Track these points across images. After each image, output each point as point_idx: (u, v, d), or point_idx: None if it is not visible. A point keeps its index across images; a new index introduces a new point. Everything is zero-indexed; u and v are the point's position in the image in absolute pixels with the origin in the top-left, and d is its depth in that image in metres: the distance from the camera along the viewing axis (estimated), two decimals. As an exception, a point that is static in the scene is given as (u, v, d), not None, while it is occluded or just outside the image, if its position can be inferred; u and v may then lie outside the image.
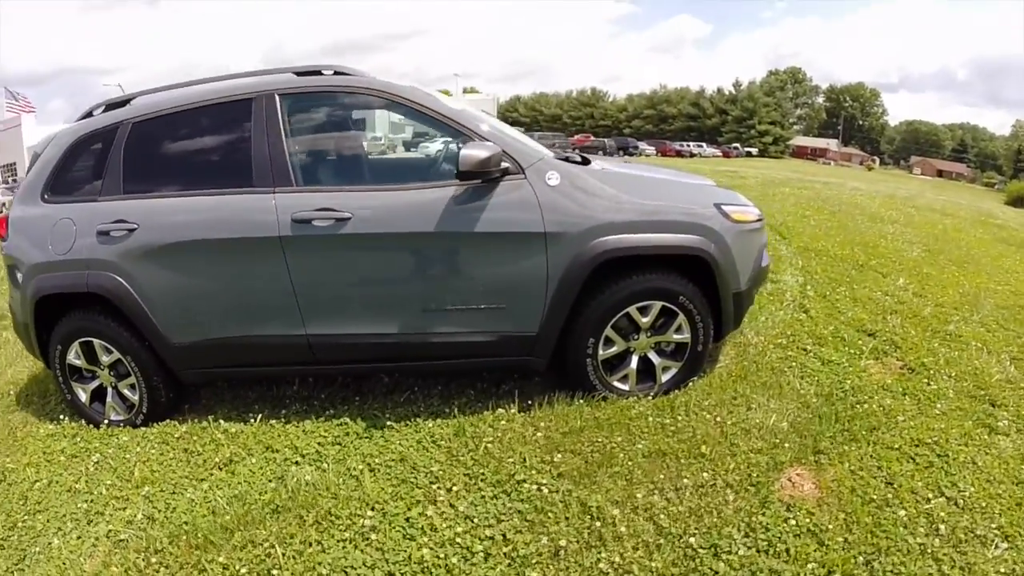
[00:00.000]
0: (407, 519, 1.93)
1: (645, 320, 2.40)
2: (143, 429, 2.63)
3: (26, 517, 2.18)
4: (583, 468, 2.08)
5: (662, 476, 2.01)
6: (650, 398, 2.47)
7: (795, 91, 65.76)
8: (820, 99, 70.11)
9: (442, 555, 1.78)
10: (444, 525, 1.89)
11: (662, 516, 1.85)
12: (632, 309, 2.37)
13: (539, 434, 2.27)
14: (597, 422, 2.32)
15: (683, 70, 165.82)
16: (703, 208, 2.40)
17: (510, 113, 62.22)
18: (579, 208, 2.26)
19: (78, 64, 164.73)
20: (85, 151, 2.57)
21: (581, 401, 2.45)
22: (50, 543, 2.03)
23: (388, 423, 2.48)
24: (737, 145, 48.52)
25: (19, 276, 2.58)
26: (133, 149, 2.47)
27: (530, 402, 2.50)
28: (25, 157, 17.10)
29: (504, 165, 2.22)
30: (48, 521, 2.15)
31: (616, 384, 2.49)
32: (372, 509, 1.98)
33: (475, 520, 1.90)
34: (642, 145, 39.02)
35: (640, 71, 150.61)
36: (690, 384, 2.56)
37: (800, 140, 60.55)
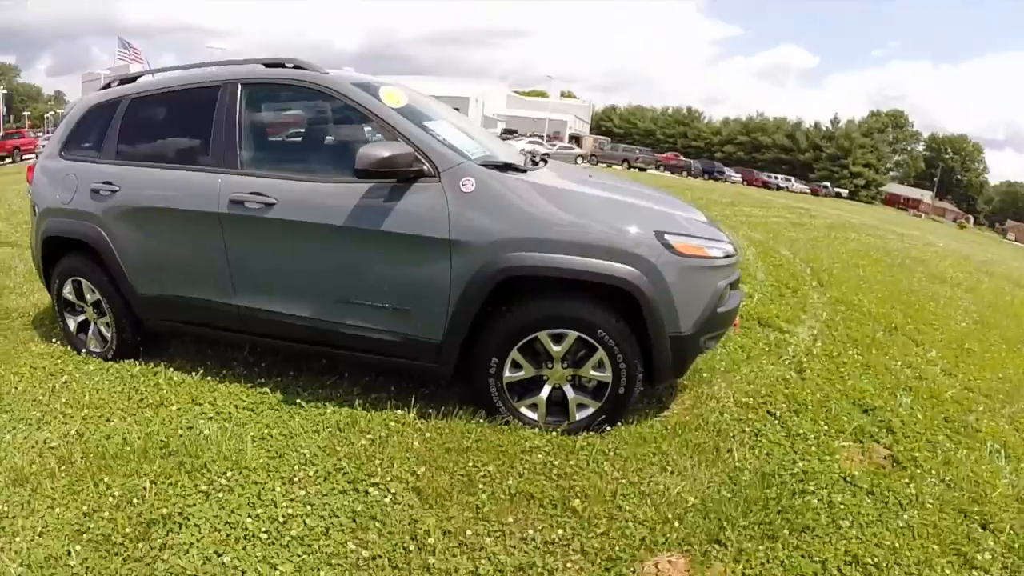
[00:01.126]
0: (261, 490, 1.78)
1: (557, 349, 2.01)
2: (111, 363, 2.65)
3: (-8, 413, 2.27)
4: (443, 488, 1.76)
5: (513, 520, 1.64)
6: (556, 434, 2.04)
7: (895, 135, 57.36)
8: (920, 147, 61.01)
9: (263, 528, 1.63)
10: (284, 503, 1.72)
11: (484, 561, 1.49)
12: (543, 335, 1.98)
13: (419, 444, 1.97)
14: (486, 446, 1.96)
15: (783, 100, 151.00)
16: (637, 234, 1.93)
17: (604, 123, 59.30)
18: (489, 219, 1.93)
19: (193, 23, 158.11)
20: (94, 118, 2.63)
21: (482, 421, 2.10)
22: (3, 438, 2.10)
23: (300, 402, 2.29)
24: (827, 184, 43.06)
25: (36, 216, 2.72)
26: (127, 121, 2.53)
27: (431, 411, 2.19)
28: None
29: (420, 167, 1.94)
30: (8, 421, 2.22)
31: (524, 411, 2.10)
32: (240, 472, 1.86)
33: (313, 507, 1.70)
34: (728, 171, 35.80)
35: (739, 96, 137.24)
36: (609, 429, 2.10)
37: (894, 188, 53.01)
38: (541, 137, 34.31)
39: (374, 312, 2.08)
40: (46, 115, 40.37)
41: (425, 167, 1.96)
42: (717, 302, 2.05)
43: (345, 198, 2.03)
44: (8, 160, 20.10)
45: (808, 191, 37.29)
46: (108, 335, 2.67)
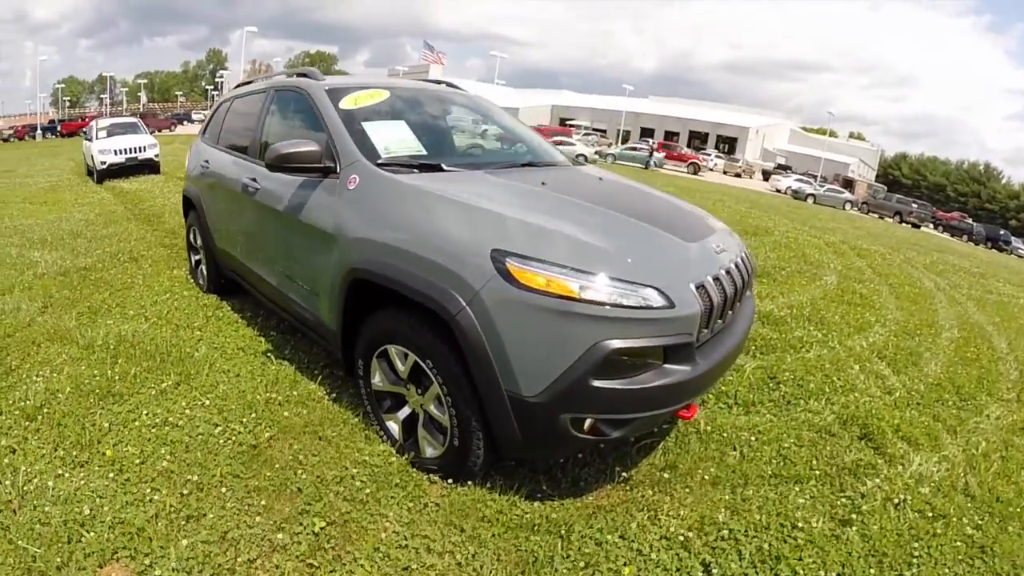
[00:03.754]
0: (177, 400, 2.40)
1: (402, 368, 1.98)
2: (202, 294, 3.79)
3: (115, 306, 3.55)
4: (270, 456, 2.06)
5: (267, 504, 1.83)
6: (405, 459, 2.05)
7: None
8: None
9: (147, 422, 2.23)
10: (176, 412, 2.29)
11: (210, 515, 1.77)
12: (392, 349, 1.98)
13: (292, 416, 2.31)
14: (336, 440, 2.17)
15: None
16: (465, 250, 1.68)
17: (892, 171, 54.56)
18: (356, 217, 2.04)
19: (500, 32, 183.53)
20: (218, 112, 3.71)
21: (358, 421, 2.28)
22: (108, 321, 3.27)
23: (272, 356, 2.85)
24: None
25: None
26: (228, 116, 3.51)
27: (337, 396, 2.50)
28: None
29: (329, 164, 2.20)
30: (116, 313, 3.41)
31: (389, 424, 2.16)
32: (182, 385, 2.53)
33: (187, 421, 2.24)
34: (1016, 241, 30.26)
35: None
36: (454, 484, 1.90)
37: None
38: (814, 176, 33.93)
39: (301, 290, 2.46)
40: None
41: (333, 164, 2.19)
42: (591, 368, 1.53)
43: (289, 189, 2.39)
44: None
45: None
46: (207, 274, 3.82)
